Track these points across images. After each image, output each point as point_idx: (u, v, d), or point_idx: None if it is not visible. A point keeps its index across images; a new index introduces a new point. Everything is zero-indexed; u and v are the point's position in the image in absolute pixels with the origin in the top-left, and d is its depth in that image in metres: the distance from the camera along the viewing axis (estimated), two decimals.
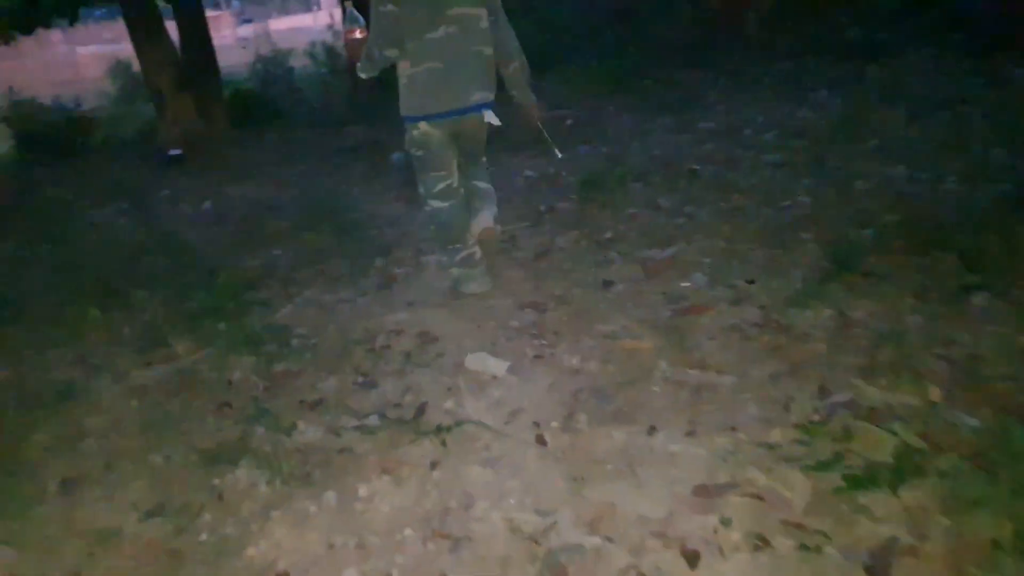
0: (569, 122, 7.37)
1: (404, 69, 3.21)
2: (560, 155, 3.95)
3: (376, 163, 7.09)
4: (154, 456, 2.60)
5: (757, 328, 3.05)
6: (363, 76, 3.29)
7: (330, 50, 15.58)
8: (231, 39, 26.67)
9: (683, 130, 6.46)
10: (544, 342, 3.17)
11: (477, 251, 3.60)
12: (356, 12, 3.29)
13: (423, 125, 3.28)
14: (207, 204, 6.40)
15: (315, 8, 35.47)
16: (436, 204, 3.48)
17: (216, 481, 2.43)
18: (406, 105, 3.29)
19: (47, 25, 11.27)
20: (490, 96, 3.35)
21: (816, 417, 2.42)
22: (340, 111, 10.29)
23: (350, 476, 2.39)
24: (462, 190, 3.53)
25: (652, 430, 2.46)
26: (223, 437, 2.65)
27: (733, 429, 2.41)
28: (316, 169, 7.24)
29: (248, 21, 33.61)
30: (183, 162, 8.19)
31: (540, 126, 3.79)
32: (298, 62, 16.89)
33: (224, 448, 2.55)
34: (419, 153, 3.38)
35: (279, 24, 33.55)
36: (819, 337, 2.92)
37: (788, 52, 8.15)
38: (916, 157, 4.82)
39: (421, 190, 3.52)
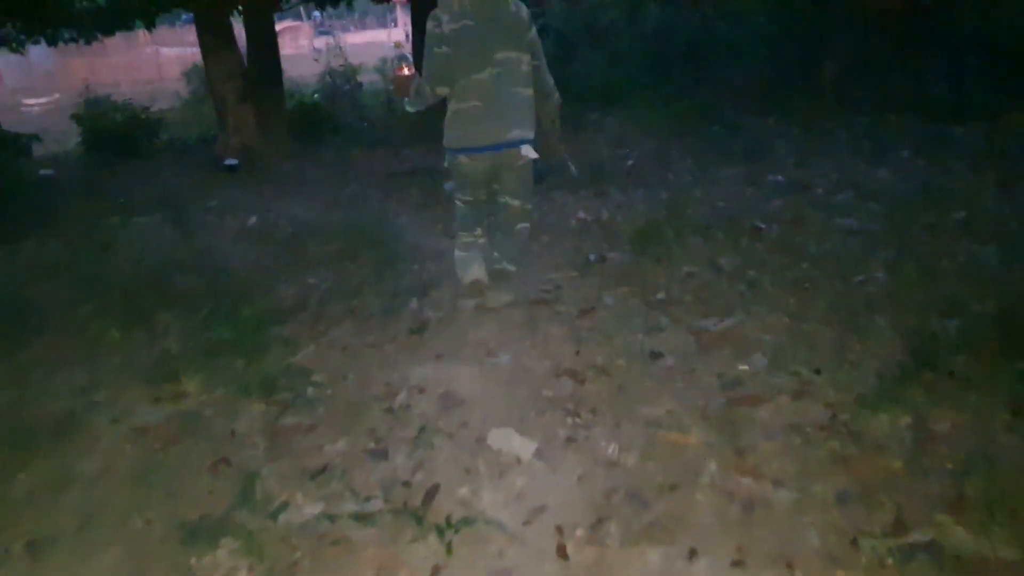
0: (630, 162, 7.03)
1: (451, 105, 3.45)
2: (576, 172, 4.29)
3: (428, 191, 6.85)
4: (135, 519, 2.34)
5: (822, 432, 2.65)
6: (410, 110, 3.61)
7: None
8: (307, 49, 27.12)
9: (750, 182, 6.05)
10: (579, 421, 2.82)
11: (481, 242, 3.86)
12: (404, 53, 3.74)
13: (462, 158, 3.54)
14: (253, 219, 6.24)
15: (391, 24, 35.97)
16: (461, 205, 3.84)
17: (193, 561, 2.14)
18: (449, 137, 3.55)
19: (128, 27, 11.51)
20: (529, 134, 3.49)
21: (890, 561, 2.02)
22: (401, 131, 10.12)
23: (341, 572, 2.08)
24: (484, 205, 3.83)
25: (693, 554, 2.09)
26: (211, 506, 2.37)
27: (789, 566, 2.02)
28: (368, 191, 7.04)
29: (326, 33, 34.18)
30: (238, 172, 8.11)
31: (563, 152, 4.22)
32: (367, 77, 16.99)
33: (208, 522, 2.27)
34: (457, 179, 3.74)
35: (355, 38, 34.12)
36: (895, 451, 2.51)
37: (867, 106, 7.66)
38: (1009, 236, 4.34)
39: (456, 202, 3.88)
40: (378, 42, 31.33)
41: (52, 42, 11.66)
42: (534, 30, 3.46)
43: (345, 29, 38.54)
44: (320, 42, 23.00)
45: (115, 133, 9.63)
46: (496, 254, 3.86)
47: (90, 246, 5.67)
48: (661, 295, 3.97)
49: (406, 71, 3.50)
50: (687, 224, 5.03)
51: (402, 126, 10.55)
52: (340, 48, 16.03)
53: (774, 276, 4.09)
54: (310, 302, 4.26)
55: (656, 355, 3.30)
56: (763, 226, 4.89)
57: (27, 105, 21.38)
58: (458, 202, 3.84)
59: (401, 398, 3.06)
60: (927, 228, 4.62)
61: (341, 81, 15.42)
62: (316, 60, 16.43)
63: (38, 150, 11.22)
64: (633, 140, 7.78)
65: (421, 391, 3.11)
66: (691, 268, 4.30)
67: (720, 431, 2.68)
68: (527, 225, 3.82)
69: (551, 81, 3.71)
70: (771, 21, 8.94)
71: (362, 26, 40.89)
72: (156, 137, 10.07)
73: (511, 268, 3.85)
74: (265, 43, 8.60)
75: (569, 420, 2.82)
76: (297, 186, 7.50)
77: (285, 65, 13.09)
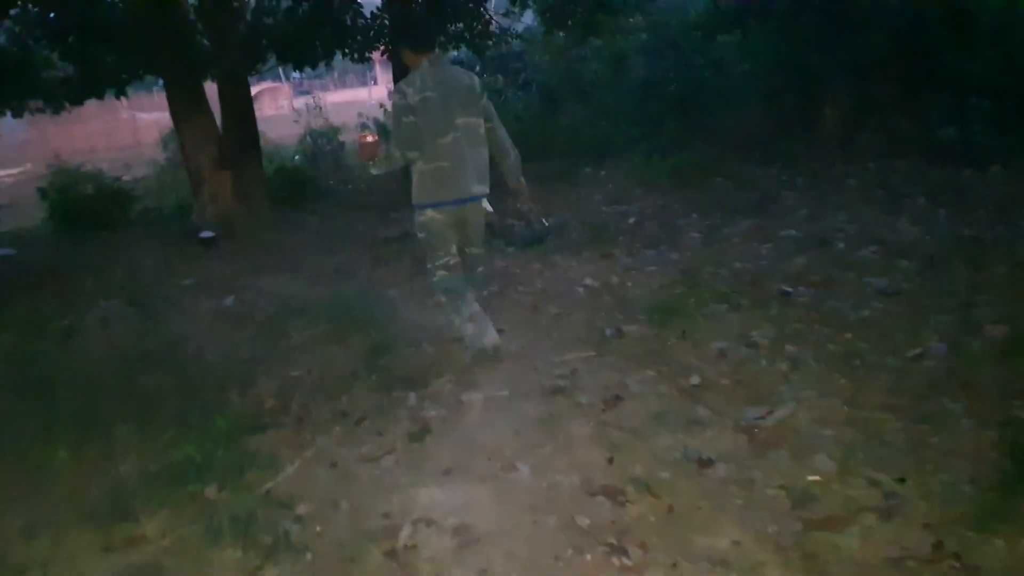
0: (632, 219, 6.61)
1: (418, 167, 3.68)
2: (547, 222, 4.49)
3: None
4: None
5: (928, 566, 2.14)
6: (375, 172, 3.84)
7: (381, 126, 15.27)
8: (288, 110, 26.95)
9: (764, 238, 5.63)
10: (627, 561, 2.29)
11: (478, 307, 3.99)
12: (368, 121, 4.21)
13: (430, 212, 3.76)
14: (230, 300, 5.71)
15: (371, 83, 36.07)
16: (442, 273, 3.93)
17: None
18: (418, 195, 3.77)
19: (99, 96, 11.11)
20: (486, 190, 3.80)
21: None
22: (386, 193, 9.70)
23: None
24: (460, 264, 3.97)
25: None
26: None
27: None
28: (355, 261, 6.54)
29: (306, 93, 34.13)
30: (215, 246, 7.60)
31: (530, 206, 4.44)
32: (349, 136, 16.69)
33: None
34: (423, 235, 3.87)
35: (335, 96, 34.07)
36: None
37: (872, 152, 7.34)
38: None
39: (428, 266, 3.99)
40: (359, 100, 31.30)
41: (17, 114, 11.27)
42: (486, 96, 3.82)
43: (325, 88, 38.62)
44: (300, 102, 22.79)
45: (83, 206, 9.13)
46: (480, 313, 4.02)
47: (46, 339, 5.10)
48: (694, 379, 3.47)
49: (370, 138, 3.72)
50: (707, 290, 4.57)
51: (388, 188, 10.14)
52: (320, 108, 15.76)
53: (817, 351, 3.62)
54: (293, 402, 3.72)
55: (705, 462, 2.79)
56: (790, 289, 4.44)
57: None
58: (439, 273, 3.95)
59: (405, 535, 2.51)
60: (973, 287, 4.19)
61: (323, 141, 15.11)
62: (296, 121, 16.15)
63: (4, 224, 10.71)
64: (632, 195, 7.39)
65: (428, 524, 2.56)
66: (721, 343, 3.82)
67: (804, 569, 2.16)
68: (483, 268, 4.30)
69: (508, 140, 3.98)
70: (766, 69, 8.67)
71: (342, 84, 41.03)
72: (128, 208, 9.57)
73: (481, 327, 3.97)
74: (240, 107, 8.18)
75: (615, 560, 2.29)
76: (279, 258, 6.99)
77: (265, 127, 12.71)
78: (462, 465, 2.96)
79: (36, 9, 9.19)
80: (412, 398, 3.60)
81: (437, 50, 3.79)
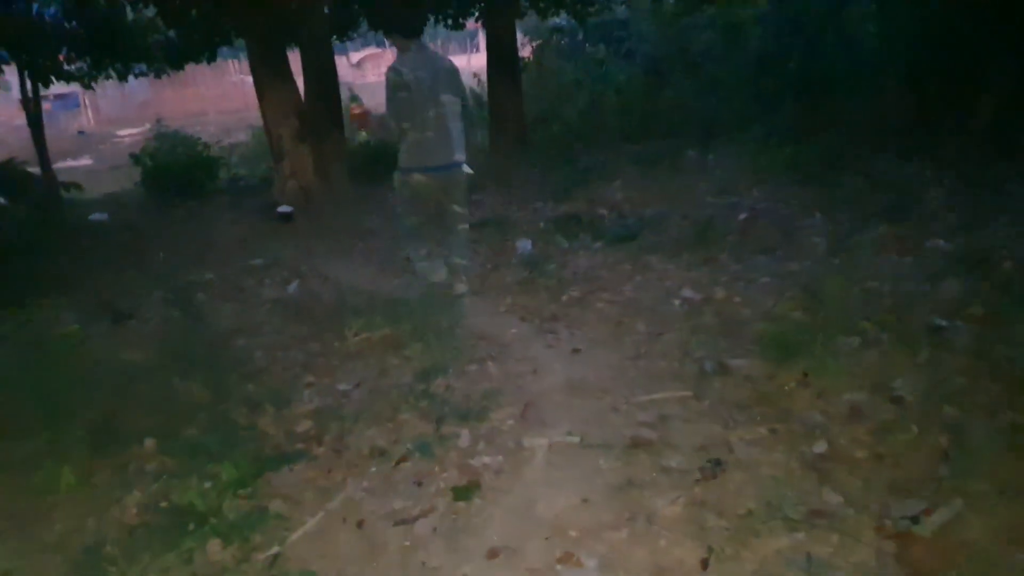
0: (742, 216, 5.74)
1: (409, 136, 4.26)
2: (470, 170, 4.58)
3: (499, 250, 5.75)
4: None
5: None
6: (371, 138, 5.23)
7: (476, 96, 14.66)
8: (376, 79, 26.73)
9: (904, 250, 4.68)
10: None
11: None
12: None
13: (417, 175, 4.35)
14: (294, 286, 5.28)
15: (472, 50, 35.46)
16: (411, 222, 4.59)
17: None
18: (408, 160, 4.36)
19: (196, 60, 10.99)
20: (464, 156, 4.45)
21: None
22: (474, 168, 9.10)
23: None
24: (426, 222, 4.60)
25: None
26: None
27: None
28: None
29: None
30: (291, 221, 7.22)
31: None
32: None
33: None
34: (408, 194, 4.44)
35: None
36: None
37: None
38: None
39: (403, 220, 4.64)
40: (458, 68, 30.80)
41: (123, 77, 11.29)
42: (462, 80, 4.49)
43: None
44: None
45: (174, 172, 8.98)
46: (449, 253, 4.65)
47: (100, 324, 4.79)
48: (820, 445, 2.70)
49: (357, 110, 4.98)
50: (834, 317, 3.71)
51: (474, 165, 9.54)
52: None
53: (989, 420, 2.76)
54: (331, 427, 3.18)
55: None
56: (944, 324, 3.53)
57: (119, 136, 21.62)
58: (406, 222, 4.60)
59: None
60: None
61: None
62: None
63: (112, 185, 10.79)
64: (743, 187, 6.48)
65: None
66: (855, 395, 3.01)
67: None
68: (467, 225, 4.75)
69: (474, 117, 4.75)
70: (906, 45, 7.46)
71: (445, 52, 40.65)
72: (215, 176, 9.37)
73: (463, 261, 4.68)
74: (324, 77, 7.73)
75: None
76: (351, 240, 6.54)
77: (367, 93, 12.30)
78: (513, 544, 2.34)
79: None
80: (465, 436, 2.99)
81: (423, 38, 4.47)
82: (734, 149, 7.75)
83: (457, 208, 4.56)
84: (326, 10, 9.04)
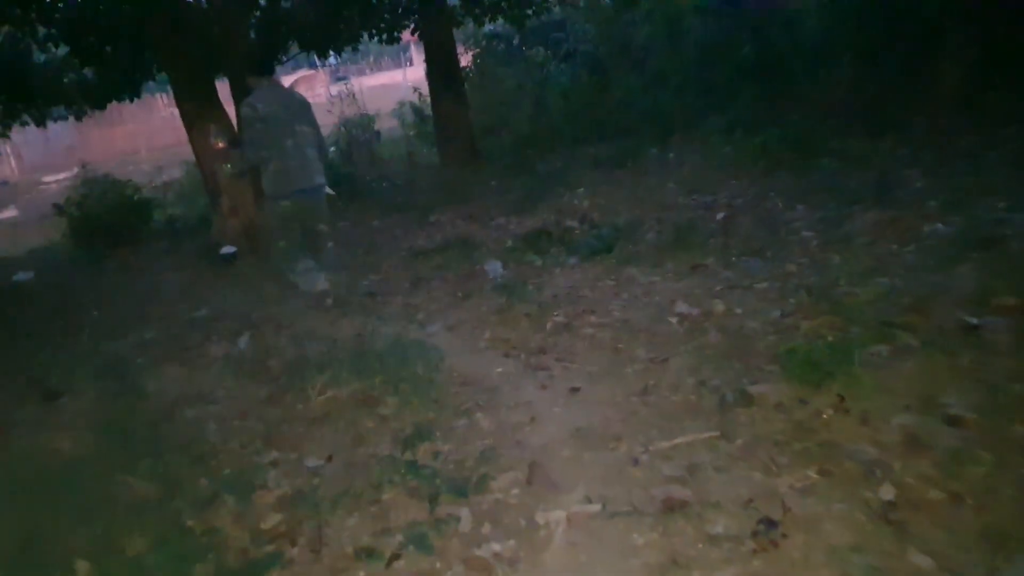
0: (721, 215, 5.37)
1: (272, 166, 4.76)
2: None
3: (467, 274, 5.27)
4: None
5: None
6: (233, 171, 5.75)
7: (418, 111, 14.15)
8: (325, 97, 26.05)
9: (901, 236, 4.35)
10: None
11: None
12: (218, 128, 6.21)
13: (284, 203, 4.86)
14: (244, 340, 4.69)
15: (407, 64, 34.86)
16: (285, 244, 5.05)
17: None
18: (271, 188, 4.88)
19: (116, 98, 10.25)
20: (323, 179, 5.00)
21: None
22: (425, 190, 8.62)
23: None
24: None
25: None
26: None
27: None
28: (391, 282, 5.47)
29: (342, 79, 33.20)
30: (236, 262, 6.61)
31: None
32: (386, 123, 15.60)
33: None
34: (277, 221, 4.97)
35: (372, 80, 33.03)
36: None
37: (1009, 116, 5.90)
38: None
39: (279, 242, 5.07)
40: (394, 84, 30.21)
41: (40, 122, 10.47)
42: (312, 111, 4.91)
43: (361, 72, 37.61)
44: (337, 89, 21.85)
45: (103, 221, 8.25)
46: (322, 269, 5.03)
47: (28, 401, 4.16)
48: (886, 490, 2.28)
49: (220, 144, 5.36)
50: (852, 320, 3.34)
51: (426, 184, 9.04)
52: (354, 96, 14.69)
53: None
54: (305, 519, 2.65)
55: None
56: (976, 321, 3.17)
57: (46, 183, 20.44)
58: (279, 244, 4.99)
59: None
60: None
61: (358, 131, 14.07)
62: (329, 111, 15.14)
63: (40, 238, 9.94)
64: (714, 182, 6.12)
65: None
66: (904, 419, 2.62)
67: None
68: (332, 243, 5.21)
69: (326, 148, 5.32)
70: (856, 21, 7.22)
71: (378, 67, 39.92)
72: (149, 220, 8.67)
73: (335, 276, 5.11)
74: None
75: None
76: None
77: None
78: None
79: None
80: (465, 518, 2.50)
81: (274, 76, 5.00)
82: (695, 144, 7.43)
83: (322, 227, 5.12)
84: (252, 35, 8.47)
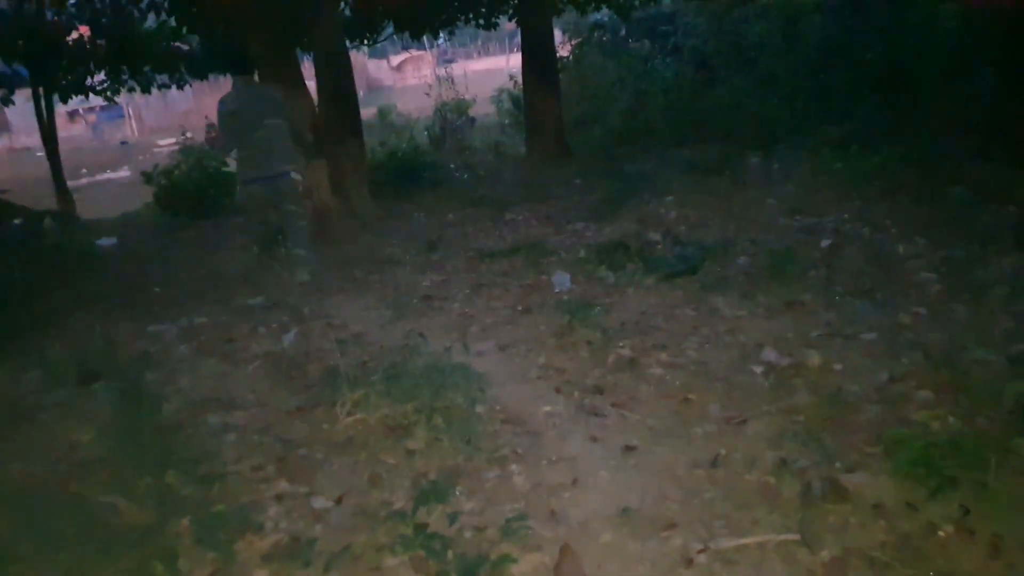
0: (826, 243, 4.65)
1: (240, 153, 5.30)
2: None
3: (531, 283, 4.79)
4: None
5: None
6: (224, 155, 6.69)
7: (515, 99, 13.69)
8: (431, 79, 25.99)
9: None
10: None
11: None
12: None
13: (253, 186, 5.29)
14: (291, 335, 4.37)
15: (514, 49, 34.41)
16: (257, 224, 5.50)
17: None
18: (245, 174, 5.35)
19: (221, 70, 10.29)
20: (290, 167, 5.31)
21: None
22: (506, 184, 8.17)
23: None
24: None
25: None
26: None
27: None
28: (452, 284, 5.05)
29: (449, 62, 33.08)
30: None
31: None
32: (482, 109, 15.23)
33: None
34: (250, 201, 5.40)
35: (477, 65, 32.81)
36: None
37: None
38: None
39: (256, 223, 5.51)
40: (499, 68, 29.89)
41: (145, 88, 10.64)
42: (286, 106, 5.37)
43: (468, 56, 37.48)
44: (443, 71, 21.69)
45: (187, 191, 8.21)
46: (291, 246, 5.20)
47: (66, 381, 3.97)
48: None
49: (213, 134, 6.29)
50: (983, 400, 2.66)
51: (508, 177, 8.59)
52: (451, 80, 14.37)
53: None
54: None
55: None
56: None
57: (160, 145, 21.23)
58: (255, 224, 5.48)
59: None
60: None
61: (453, 116, 13.76)
62: (427, 94, 14.89)
63: (133, 203, 10.12)
64: (822, 203, 5.38)
65: None
66: None
67: None
68: (304, 223, 5.51)
69: (303, 137, 5.65)
70: (1003, 30, 6.22)
71: (485, 52, 39.70)
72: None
73: (304, 252, 5.32)
74: (339, 85, 6.84)
75: None
76: (368, 271, 5.65)
77: (403, 98, 11.43)
78: None
79: None
80: None
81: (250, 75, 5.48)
82: (803, 156, 6.65)
83: (292, 208, 5.36)
84: (346, 12, 8.21)
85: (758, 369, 3.26)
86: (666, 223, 5.50)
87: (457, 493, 2.57)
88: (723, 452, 2.66)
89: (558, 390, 3.33)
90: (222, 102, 5.21)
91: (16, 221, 5.34)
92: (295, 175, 5.34)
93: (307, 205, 6.73)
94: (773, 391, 3.07)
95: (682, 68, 11.58)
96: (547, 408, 3.17)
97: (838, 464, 2.48)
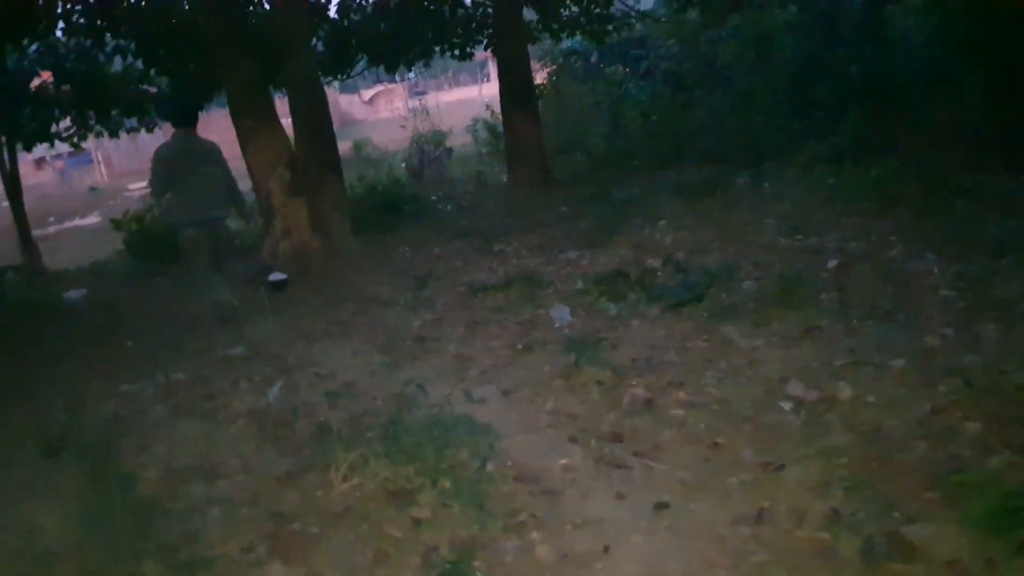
0: (832, 262, 4.44)
1: (174, 199, 5.46)
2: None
3: (529, 319, 4.52)
4: None
5: None
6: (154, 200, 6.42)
7: (491, 128, 13.54)
8: (404, 111, 25.87)
9: None
10: None
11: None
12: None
13: (189, 230, 5.45)
14: (276, 389, 4.03)
15: (484, 80, 34.52)
16: (199, 260, 5.53)
17: None
18: (178, 217, 5.53)
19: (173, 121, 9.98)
20: (224, 212, 5.71)
21: None
22: (493, 211, 7.94)
23: None
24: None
25: None
26: None
27: None
28: (446, 323, 4.77)
29: (421, 94, 33.02)
30: (285, 289, 6.05)
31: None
32: (459, 139, 15.07)
33: None
34: (185, 243, 5.52)
35: (449, 96, 32.83)
36: None
37: None
38: None
39: (189, 259, 5.63)
40: (471, 99, 29.86)
41: (113, 132, 10.30)
42: (222, 157, 5.64)
43: (439, 87, 37.53)
44: (413, 103, 21.58)
45: (158, 236, 7.85)
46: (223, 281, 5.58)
47: (26, 454, 3.61)
48: None
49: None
50: None
51: (493, 207, 8.36)
52: (427, 111, 14.21)
53: None
54: None
55: None
56: None
57: (130, 190, 20.76)
58: (198, 260, 5.54)
59: None
60: None
61: (430, 148, 13.56)
62: (403, 126, 14.69)
63: (104, 250, 9.72)
64: (821, 221, 5.19)
65: None
66: None
67: None
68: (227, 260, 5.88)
69: (236, 187, 5.77)
70: (983, 40, 6.14)
71: (456, 82, 39.83)
72: None
73: (228, 290, 5.57)
74: (316, 121, 6.58)
75: None
76: (353, 311, 5.37)
77: (377, 131, 11.21)
78: None
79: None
80: None
81: (191, 128, 5.60)
82: (793, 173, 6.49)
83: (224, 247, 5.77)
84: (318, 46, 7.98)
85: (786, 405, 3.00)
86: (664, 249, 5.27)
87: (476, 571, 2.27)
88: (766, 505, 2.39)
89: (572, 439, 3.04)
90: (157, 152, 5.54)
91: None
92: (227, 222, 5.79)
93: (284, 246, 6.46)
94: (806, 430, 2.81)
95: (657, 90, 11.51)
96: (563, 461, 2.88)
97: (896, 514, 2.23)
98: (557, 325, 4.34)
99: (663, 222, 5.88)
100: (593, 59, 13.68)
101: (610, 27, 10.07)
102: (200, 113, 6.62)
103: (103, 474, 3.27)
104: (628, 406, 3.23)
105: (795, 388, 3.10)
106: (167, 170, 5.42)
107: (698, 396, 3.21)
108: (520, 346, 4.15)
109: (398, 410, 3.40)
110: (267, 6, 7.32)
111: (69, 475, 3.36)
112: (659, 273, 4.83)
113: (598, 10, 9.73)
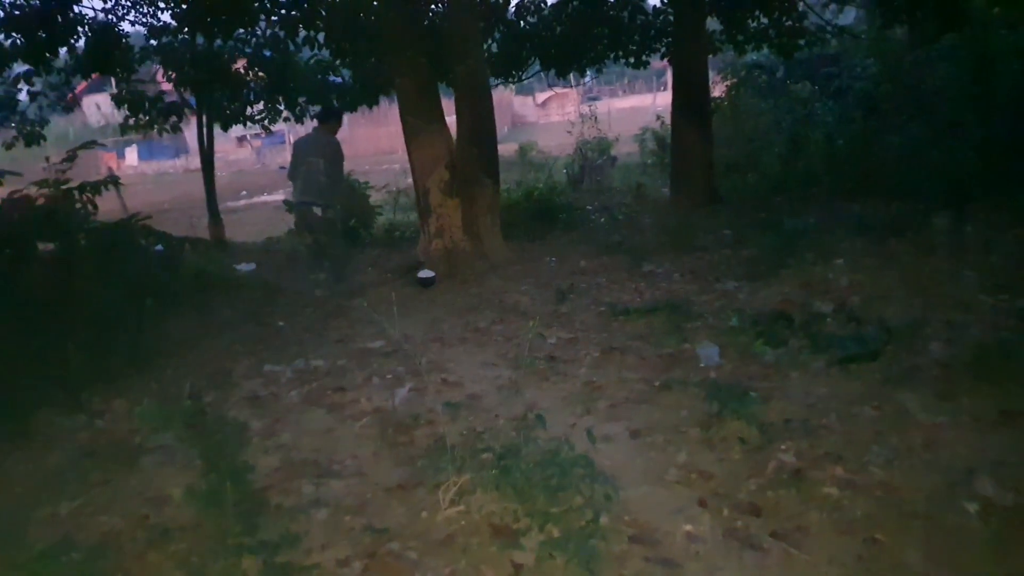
0: None
1: (294, 184, 6.62)
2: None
3: (670, 357, 4.17)
4: None
5: None
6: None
7: (659, 139, 13.11)
8: (575, 116, 25.89)
9: None
10: None
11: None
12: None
13: (299, 207, 6.57)
14: (402, 393, 4.00)
15: (660, 88, 33.78)
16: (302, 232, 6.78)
17: None
18: (293, 199, 6.81)
19: (369, 103, 10.49)
20: (319, 200, 6.37)
21: None
22: (648, 227, 7.59)
23: None
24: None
25: None
26: None
27: None
28: (578, 345, 4.54)
29: (595, 99, 32.85)
30: (431, 288, 6.09)
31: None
32: (625, 147, 14.75)
33: None
34: (298, 219, 6.70)
35: (623, 103, 32.44)
36: None
37: None
38: None
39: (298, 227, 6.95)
40: (644, 107, 29.34)
41: (299, 119, 11.00)
42: (336, 155, 6.45)
43: (614, 94, 37.23)
44: (584, 108, 21.48)
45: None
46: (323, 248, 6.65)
47: (177, 417, 3.79)
48: None
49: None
50: None
51: (649, 222, 7.99)
52: (595, 117, 13.99)
53: None
54: None
55: None
56: None
57: None
58: (302, 236, 6.84)
59: None
60: None
61: (593, 155, 13.37)
62: (569, 132, 14.59)
63: (281, 227, 10.40)
64: None
65: None
66: None
67: None
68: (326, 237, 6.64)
69: (336, 183, 6.57)
70: None
71: (631, 90, 39.31)
72: (370, 225, 8.56)
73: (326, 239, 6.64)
74: (480, 120, 6.56)
75: None
76: (492, 319, 5.25)
77: (546, 135, 11.22)
78: None
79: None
80: None
81: (325, 124, 6.70)
82: (1004, 219, 5.61)
83: (318, 231, 6.50)
84: (492, 47, 8.00)
85: (971, 506, 2.48)
86: (837, 292, 4.71)
87: None
88: None
89: (702, 503, 2.70)
90: (295, 142, 6.62)
91: (158, 247, 5.25)
92: (317, 209, 6.31)
93: (436, 245, 6.51)
94: (996, 543, 2.30)
95: (848, 112, 10.55)
96: (688, 527, 2.56)
97: None
98: (703, 364, 3.97)
99: (839, 260, 5.27)
100: (779, 74, 12.86)
101: (802, 41, 9.35)
102: (343, 116, 7.91)
103: (231, 454, 3.37)
104: (773, 474, 2.83)
105: (984, 485, 2.57)
106: (294, 159, 6.47)
107: (859, 475, 2.75)
108: (657, 383, 3.82)
109: (516, 435, 3.23)
110: (443, 6, 7.42)
111: (202, 449, 3.50)
112: (828, 320, 4.30)
113: (790, 23, 9.05)
